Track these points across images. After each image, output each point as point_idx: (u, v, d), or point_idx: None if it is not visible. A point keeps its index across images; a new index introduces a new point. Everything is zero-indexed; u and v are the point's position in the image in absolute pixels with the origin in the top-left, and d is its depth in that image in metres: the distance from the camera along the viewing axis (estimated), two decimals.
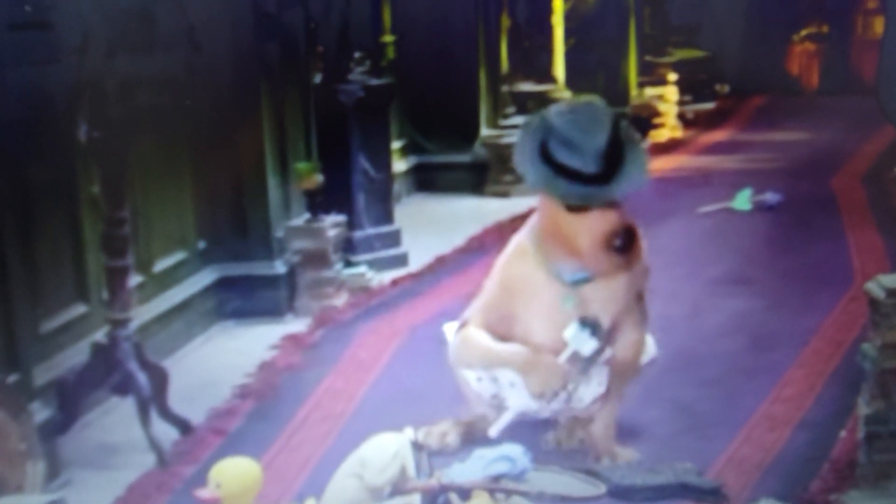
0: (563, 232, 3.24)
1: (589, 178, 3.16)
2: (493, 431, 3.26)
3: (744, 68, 12.21)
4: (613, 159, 3.18)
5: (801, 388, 3.85)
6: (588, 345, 3.20)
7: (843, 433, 3.40)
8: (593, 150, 3.16)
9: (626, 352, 3.35)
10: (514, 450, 3.09)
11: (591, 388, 3.32)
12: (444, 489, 2.93)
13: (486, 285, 3.44)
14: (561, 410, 3.39)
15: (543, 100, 8.33)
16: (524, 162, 3.22)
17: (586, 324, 3.21)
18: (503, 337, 3.34)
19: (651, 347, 3.55)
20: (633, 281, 3.32)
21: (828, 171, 7.91)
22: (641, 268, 3.36)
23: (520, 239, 3.39)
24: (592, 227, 3.20)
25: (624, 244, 3.21)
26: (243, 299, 4.87)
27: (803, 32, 12.49)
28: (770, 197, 6.71)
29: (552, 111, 3.25)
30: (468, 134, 7.63)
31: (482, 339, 3.35)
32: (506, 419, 3.27)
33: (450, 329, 3.55)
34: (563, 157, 3.16)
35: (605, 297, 3.27)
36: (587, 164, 3.16)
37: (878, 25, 11.76)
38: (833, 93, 11.86)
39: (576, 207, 3.20)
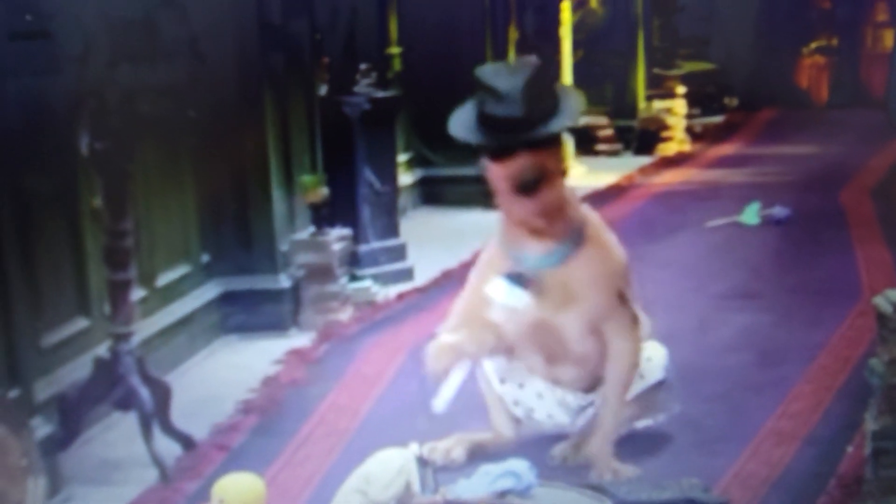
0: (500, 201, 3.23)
1: (513, 125, 3.12)
2: (439, 404, 3.15)
3: (753, 81, 12.23)
4: (536, 104, 3.13)
5: (808, 403, 3.83)
6: (518, 298, 3.15)
7: (850, 449, 3.39)
8: (512, 93, 3.11)
9: (614, 362, 3.32)
10: (520, 465, 3.07)
11: None
12: None
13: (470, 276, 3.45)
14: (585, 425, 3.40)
15: None
16: (455, 122, 3.24)
17: (513, 278, 3.16)
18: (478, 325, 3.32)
19: (658, 364, 3.51)
20: (597, 273, 3.25)
21: (836, 185, 7.90)
22: (613, 264, 3.30)
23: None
24: (504, 171, 3.17)
25: (525, 183, 3.14)
26: (247, 313, 4.86)
27: (813, 45, 12.51)
28: (778, 211, 6.71)
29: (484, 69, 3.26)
30: (475, 147, 7.62)
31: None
32: (452, 388, 3.15)
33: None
34: (489, 107, 3.14)
35: (564, 286, 3.23)
36: (508, 108, 3.12)
37: (888, 38, 11.78)
38: (842, 106, 11.88)
39: (498, 157, 3.17)
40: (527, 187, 3.15)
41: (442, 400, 3.14)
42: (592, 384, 3.43)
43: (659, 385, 3.52)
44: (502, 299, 3.17)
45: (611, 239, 3.39)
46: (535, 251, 3.25)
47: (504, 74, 3.18)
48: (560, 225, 3.24)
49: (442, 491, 2.98)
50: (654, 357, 3.53)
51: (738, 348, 4.47)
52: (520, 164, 3.15)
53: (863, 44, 12.47)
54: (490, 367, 3.50)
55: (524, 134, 3.14)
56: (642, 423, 3.54)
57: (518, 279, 3.17)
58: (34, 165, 3.57)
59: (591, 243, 3.29)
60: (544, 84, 3.23)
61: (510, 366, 3.48)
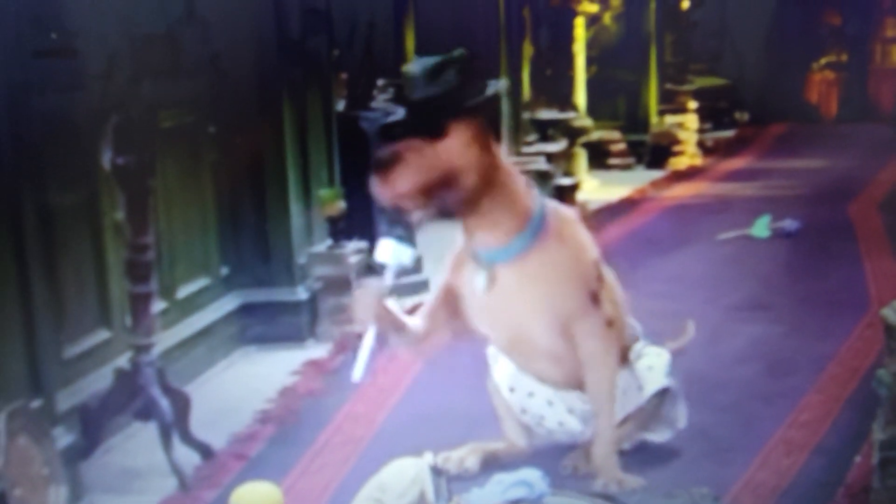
0: None
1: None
2: (356, 374, 3.11)
3: (763, 96, 12.23)
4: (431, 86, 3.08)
5: (817, 413, 3.81)
6: (405, 254, 3.14)
7: (858, 458, 3.37)
8: (416, 77, 3.10)
9: (590, 369, 3.25)
10: (532, 475, 3.07)
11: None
12: None
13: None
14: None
15: (565, 127, 8.37)
16: None
17: (394, 235, 3.14)
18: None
19: (659, 373, 3.45)
20: (561, 270, 3.17)
21: (845, 198, 7.89)
22: (580, 262, 3.21)
23: None
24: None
25: (379, 162, 3.05)
26: (265, 325, 4.87)
27: (822, 61, 12.50)
28: (788, 224, 6.71)
29: None
30: None
31: None
32: (364, 356, 3.10)
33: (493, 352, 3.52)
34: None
35: (520, 280, 3.15)
36: (412, 92, 3.12)
37: None
38: (851, 121, 11.87)
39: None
40: (377, 167, 3.06)
41: (358, 370, 3.10)
42: (581, 383, 3.35)
43: (662, 394, 3.46)
44: (389, 259, 3.13)
45: (580, 235, 3.27)
46: (487, 244, 3.17)
47: (417, 61, 3.16)
48: (506, 216, 3.13)
49: (455, 500, 2.97)
50: (656, 365, 3.46)
51: (748, 359, 4.45)
52: (389, 148, 3.07)
53: (871, 59, 12.45)
54: (499, 376, 3.48)
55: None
56: (650, 437, 3.49)
57: (398, 236, 3.13)
58: (58, 180, 3.59)
59: (554, 238, 3.18)
60: (447, 71, 3.12)
61: (519, 374, 3.45)
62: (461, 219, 3.17)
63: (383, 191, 3.09)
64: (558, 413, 3.44)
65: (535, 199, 3.20)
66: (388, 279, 3.15)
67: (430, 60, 3.14)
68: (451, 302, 3.31)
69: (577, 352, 3.25)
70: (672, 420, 3.51)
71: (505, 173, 3.16)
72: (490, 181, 3.10)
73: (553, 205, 3.30)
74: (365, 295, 3.16)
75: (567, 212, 3.32)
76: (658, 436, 3.51)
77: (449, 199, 3.09)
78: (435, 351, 3.37)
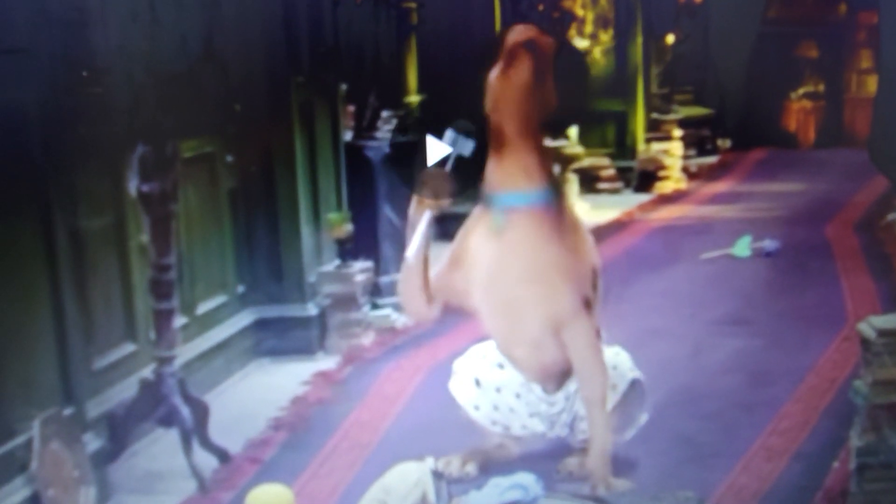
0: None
1: None
2: (409, 253, 3.22)
3: (744, 124, 12.22)
4: None
5: (796, 421, 3.83)
6: (467, 146, 3.14)
7: (836, 464, 3.39)
8: None
9: (587, 383, 3.23)
10: (527, 478, 3.10)
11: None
12: None
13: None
14: (565, 436, 3.39)
15: (558, 155, 8.40)
16: None
17: (459, 129, 3.15)
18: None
19: (624, 368, 3.40)
20: (566, 256, 3.16)
21: (823, 219, 7.89)
22: (584, 262, 3.21)
23: None
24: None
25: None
26: (278, 339, 4.91)
27: (800, 91, 12.51)
28: (768, 244, 6.69)
29: None
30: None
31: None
32: (419, 236, 3.22)
33: (459, 364, 3.54)
34: None
35: (529, 234, 3.14)
36: None
37: (871, 84, 11.76)
38: (828, 147, 11.86)
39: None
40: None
41: (411, 249, 3.22)
42: (552, 378, 3.34)
43: (633, 386, 3.40)
44: (451, 147, 3.13)
45: (590, 239, 3.28)
46: (514, 186, 3.15)
47: None
48: (536, 163, 3.14)
49: (455, 502, 2.99)
50: (619, 364, 3.41)
51: (730, 370, 4.47)
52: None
53: (847, 89, 12.45)
54: (464, 401, 3.47)
55: None
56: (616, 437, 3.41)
57: (464, 129, 3.14)
58: (88, 205, 3.65)
59: (570, 220, 3.20)
60: None
61: (479, 391, 3.44)
62: (500, 157, 3.15)
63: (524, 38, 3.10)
64: (521, 418, 3.40)
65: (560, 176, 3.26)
66: (448, 166, 3.14)
67: None
68: (454, 274, 3.29)
69: (570, 359, 3.24)
70: (634, 417, 3.46)
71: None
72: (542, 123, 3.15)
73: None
74: (435, 176, 3.16)
75: (582, 219, 3.35)
76: (622, 435, 3.45)
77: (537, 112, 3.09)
78: (425, 316, 3.38)
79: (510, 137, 3.13)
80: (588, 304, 3.22)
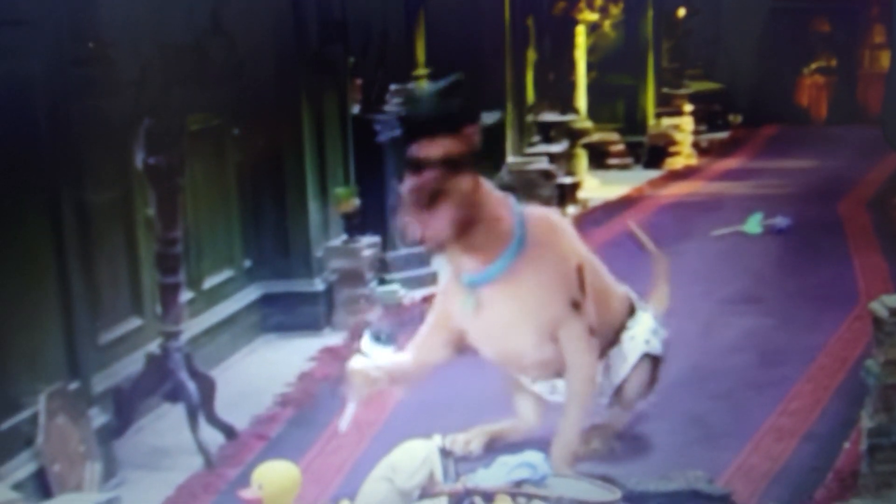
0: None
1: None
2: (342, 426, 3.16)
3: (756, 100, 12.19)
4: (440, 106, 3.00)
5: (807, 401, 3.83)
6: (381, 354, 3.14)
7: (846, 445, 3.39)
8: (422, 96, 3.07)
9: (572, 377, 3.21)
10: (535, 457, 3.08)
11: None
12: (469, 493, 2.93)
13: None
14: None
15: (567, 129, 8.38)
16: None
17: (375, 334, 3.14)
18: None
19: (640, 341, 3.39)
20: (544, 280, 3.10)
21: (834, 197, 7.88)
22: (561, 270, 3.14)
23: None
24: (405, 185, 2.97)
25: (415, 198, 2.91)
26: (285, 314, 4.91)
27: (813, 66, 12.46)
28: (780, 221, 6.70)
29: None
30: (495, 161, 7.66)
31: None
32: (349, 412, 3.16)
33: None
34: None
35: (505, 299, 3.10)
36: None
37: (884, 59, 11.72)
38: (840, 123, 11.83)
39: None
40: (420, 204, 2.93)
41: (345, 422, 3.17)
42: (554, 373, 3.33)
43: (645, 361, 3.40)
44: (368, 354, 3.14)
45: (562, 244, 3.19)
46: (471, 269, 3.12)
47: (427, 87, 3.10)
48: (489, 240, 3.06)
49: (462, 479, 2.98)
50: (637, 334, 3.40)
51: (741, 350, 4.46)
52: (415, 178, 2.94)
53: (860, 64, 12.41)
54: None
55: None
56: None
57: (380, 336, 3.14)
58: (94, 179, 3.64)
59: (535, 252, 3.10)
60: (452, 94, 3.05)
61: None
62: (448, 252, 3.10)
63: (422, 229, 2.94)
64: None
65: (515, 215, 3.12)
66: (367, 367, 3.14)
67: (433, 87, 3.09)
68: (449, 326, 3.27)
69: (564, 358, 3.22)
70: (642, 392, 3.44)
71: (487, 198, 3.07)
72: (479, 209, 3.04)
73: (534, 214, 3.20)
74: (356, 376, 3.16)
75: (548, 219, 3.24)
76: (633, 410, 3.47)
77: (461, 230, 2.97)
78: (420, 381, 3.34)
79: (448, 238, 3.03)
80: (577, 305, 3.18)
